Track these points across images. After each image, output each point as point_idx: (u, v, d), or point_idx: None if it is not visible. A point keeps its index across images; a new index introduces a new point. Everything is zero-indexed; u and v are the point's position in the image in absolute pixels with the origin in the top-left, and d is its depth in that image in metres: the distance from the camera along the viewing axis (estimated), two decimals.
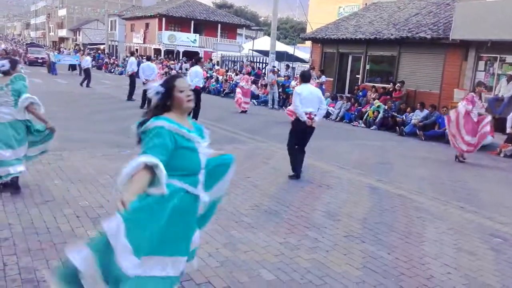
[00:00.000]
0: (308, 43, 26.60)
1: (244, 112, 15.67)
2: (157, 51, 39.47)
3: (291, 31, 59.74)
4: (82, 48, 47.47)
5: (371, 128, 14.31)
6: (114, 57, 43.86)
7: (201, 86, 12.54)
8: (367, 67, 18.98)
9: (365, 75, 18.86)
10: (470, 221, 5.61)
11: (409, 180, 7.48)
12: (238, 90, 16.48)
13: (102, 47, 50.82)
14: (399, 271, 4.02)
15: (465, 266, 4.23)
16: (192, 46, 39.29)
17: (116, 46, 51.21)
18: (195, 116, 11.32)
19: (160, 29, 39.79)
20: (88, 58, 23.35)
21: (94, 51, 46.16)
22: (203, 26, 41.51)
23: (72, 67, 32.70)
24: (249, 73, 19.29)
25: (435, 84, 15.95)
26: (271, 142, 10.07)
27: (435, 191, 6.98)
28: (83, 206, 4.95)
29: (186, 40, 39.29)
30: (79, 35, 65.80)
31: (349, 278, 3.81)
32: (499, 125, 12.32)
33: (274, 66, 20.98)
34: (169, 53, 37.90)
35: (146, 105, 13.34)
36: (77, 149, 7.68)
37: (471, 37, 14.42)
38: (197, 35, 40.08)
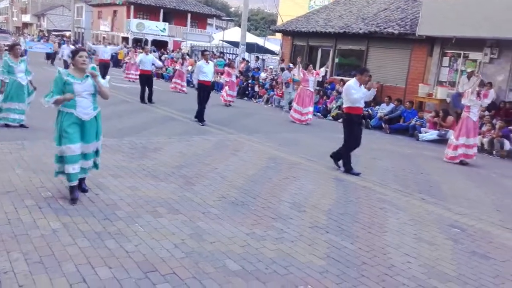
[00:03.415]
0: (279, 35, 26.64)
1: (228, 105, 15.48)
2: (125, 40, 38.69)
3: (262, 23, 59.67)
4: (46, 35, 45.99)
5: (339, 121, 14.49)
6: (80, 45, 42.72)
7: (207, 80, 11.20)
8: (336, 60, 19.19)
9: (334, 69, 19.07)
10: (430, 212, 5.81)
11: (373, 172, 7.65)
12: (225, 88, 16.12)
13: (67, 34, 49.39)
14: (361, 260, 4.13)
15: (425, 255, 4.38)
16: (161, 35, 38.72)
17: (83, 33, 49.88)
18: (201, 113, 10.97)
19: (128, 17, 38.99)
20: (68, 47, 22.20)
21: (59, 37, 44.81)
22: (173, 15, 40.93)
23: (47, 55, 30.46)
24: (229, 65, 18.53)
25: (401, 79, 16.29)
26: (240, 134, 10.08)
27: (398, 183, 7.17)
28: (45, 197, 4.85)
29: (155, 29, 38.66)
30: (43, 21, 63.70)
31: (313, 267, 3.89)
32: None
33: (289, 65, 17.96)
34: (138, 42, 37.23)
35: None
36: (38, 138, 7.48)
37: (437, 34, 14.78)
38: (167, 24, 39.49)
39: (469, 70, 13.50)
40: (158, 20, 39.57)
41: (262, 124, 12.30)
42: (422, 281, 3.84)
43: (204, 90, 11.11)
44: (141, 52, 15.77)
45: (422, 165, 8.92)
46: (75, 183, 4.82)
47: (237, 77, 18.15)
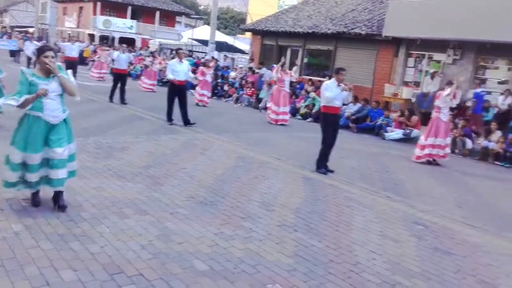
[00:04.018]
0: (248, 34, 26.67)
1: (202, 106, 15.17)
2: (91, 37, 37.89)
3: (232, 22, 59.54)
4: (9, 31, 44.47)
5: (307, 120, 14.65)
6: (44, 41, 41.52)
7: (181, 80, 10.73)
8: (305, 60, 19.37)
9: (303, 68, 19.24)
10: (395, 209, 5.94)
11: (341, 171, 7.75)
12: (197, 88, 15.78)
13: (31, 30, 47.93)
14: (328, 258, 4.18)
15: (389, 252, 4.48)
16: (129, 33, 38.11)
17: (47, 30, 48.51)
18: (183, 112, 10.67)
19: (94, 13, 38.21)
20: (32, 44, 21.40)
21: (23, 34, 43.42)
22: (141, 12, 40.36)
23: (11, 53, 29.24)
24: (204, 64, 18.03)
25: (368, 79, 16.61)
26: (209, 133, 10.04)
27: (365, 181, 7.31)
28: (7, 198, 4.70)
29: (122, 26, 38.04)
30: (6, 17, 61.61)
31: (281, 266, 3.91)
32: (425, 119, 13.07)
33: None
34: (104, 39, 36.53)
35: None
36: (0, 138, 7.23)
37: (402, 35, 15.14)
38: (134, 21, 38.91)
39: (432, 70, 13.90)
40: (125, 17, 38.94)
41: (232, 123, 12.28)
42: (386, 277, 3.92)
43: (176, 90, 10.69)
44: (114, 50, 15.42)
45: (388, 164, 9.12)
46: (34, 190, 4.57)
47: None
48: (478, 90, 13.20)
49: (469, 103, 13.15)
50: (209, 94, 16.10)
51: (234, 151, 8.50)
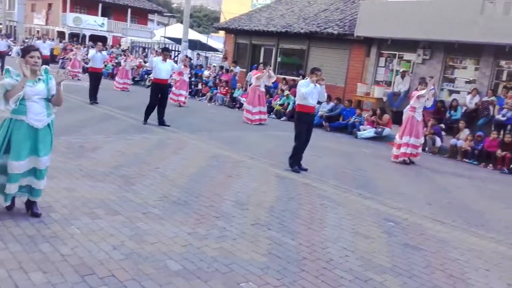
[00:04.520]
0: (222, 33, 26.59)
1: (179, 105, 14.99)
2: (61, 34, 37.07)
3: (205, 20, 59.23)
4: None
5: (281, 119, 14.72)
6: (12, 39, 40.40)
7: (162, 78, 10.68)
8: (279, 59, 19.45)
9: (277, 67, 19.31)
10: (367, 207, 6.04)
11: (314, 169, 7.81)
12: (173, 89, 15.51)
13: None
14: (301, 255, 4.22)
15: (361, 248, 4.56)
16: (100, 30, 37.45)
17: (15, 27, 47.14)
18: (147, 112, 10.54)
19: (64, 10, 37.38)
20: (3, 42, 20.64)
21: None
22: (112, 10, 39.71)
23: None
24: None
25: (341, 78, 16.80)
26: (182, 132, 9.97)
27: (338, 179, 7.40)
28: None
29: (93, 23, 37.35)
30: None
31: (255, 264, 3.93)
32: (397, 118, 13.33)
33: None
34: (74, 37, 35.81)
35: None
36: None
37: (374, 35, 15.39)
38: (106, 18, 38.26)
39: (402, 70, 14.19)
40: (96, 14, 38.24)
41: (205, 122, 12.24)
42: (358, 273, 3.99)
43: (158, 89, 10.57)
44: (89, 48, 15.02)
45: (360, 162, 9.26)
46: (9, 203, 4.32)
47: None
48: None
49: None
50: (187, 94, 15.92)
51: (208, 150, 8.48)
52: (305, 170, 7.59)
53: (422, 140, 9.82)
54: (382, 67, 16.10)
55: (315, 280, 3.78)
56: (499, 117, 11.72)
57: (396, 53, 15.65)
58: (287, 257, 4.15)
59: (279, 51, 19.36)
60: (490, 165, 10.38)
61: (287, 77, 17.79)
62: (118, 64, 21.57)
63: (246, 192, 6.01)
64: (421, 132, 9.72)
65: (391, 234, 5.10)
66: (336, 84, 16.67)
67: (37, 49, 4.29)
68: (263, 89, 13.20)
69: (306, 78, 7.80)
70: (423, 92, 9.27)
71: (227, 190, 6.03)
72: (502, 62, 13.47)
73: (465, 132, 11.30)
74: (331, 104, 14.17)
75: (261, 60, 19.96)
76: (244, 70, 19.83)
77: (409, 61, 15.33)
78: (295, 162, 7.58)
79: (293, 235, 4.69)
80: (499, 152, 10.27)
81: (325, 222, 5.21)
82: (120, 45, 31.54)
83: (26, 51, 4.18)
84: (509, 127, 11.53)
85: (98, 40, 34.68)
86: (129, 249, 3.90)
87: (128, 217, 4.62)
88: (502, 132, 11.39)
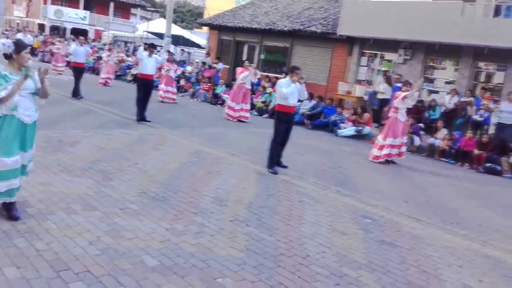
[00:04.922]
0: (205, 29, 26.49)
1: (169, 102, 14.75)
2: (42, 27, 36.44)
3: (188, 15, 58.89)
4: None
5: (263, 116, 14.75)
6: None
7: (147, 73, 10.57)
8: (262, 56, 19.46)
9: (260, 65, 19.33)
10: (345, 204, 6.12)
11: (294, 166, 7.86)
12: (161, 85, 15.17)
13: None
14: (279, 251, 4.26)
15: (338, 245, 4.62)
16: (82, 24, 36.91)
17: None
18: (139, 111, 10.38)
19: (45, 3, 36.74)
20: None
21: None
22: (94, 3, 39.16)
23: None
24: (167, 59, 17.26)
25: (323, 77, 16.91)
26: (163, 128, 9.92)
27: (317, 176, 7.46)
28: None
29: (74, 16, 36.79)
30: None
31: (232, 260, 3.95)
32: (377, 117, 13.50)
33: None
34: (55, 30, 35.24)
35: None
36: None
37: (356, 34, 15.51)
38: (88, 12, 37.72)
39: (383, 69, 14.35)
40: (78, 7, 37.67)
41: (187, 118, 12.19)
42: (334, 269, 4.04)
43: (144, 84, 10.46)
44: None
45: (340, 160, 9.35)
46: (14, 198, 4.17)
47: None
48: (398, 84, 13.75)
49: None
50: (175, 90, 15.60)
51: (189, 146, 8.46)
52: (285, 167, 7.62)
53: (405, 139, 9.86)
54: (364, 66, 16.25)
55: (291, 275, 3.82)
56: (476, 117, 11.96)
57: (378, 52, 15.82)
58: (264, 253, 4.18)
59: (262, 48, 19.38)
60: (467, 164, 10.58)
61: (270, 74, 17.82)
62: (100, 58, 21.30)
63: (225, 189, 6.02)
64: (404, 132, 9.72)
65: (368, 230, 5.17)
66: (318, 82, 16.77)
67: (30, 45, 4.40)
68: (248, 87, 13.17)
69: (286, 77, 7.76)
70: (408, 93, 9.32)
71: (207, 186, 6.03)
72: (481, 64, 13.73)
73: (443, 132, 11.49)
74: (313, 102, 14.26)
75: (244, 58, 20.00)
76: (228, 66, 19.81)
77: (390, 61, 15.51)
78: (273, 163, 7.48)
79: (271, 231, 4.73)
80: (475, 152, 10.48)
81: (303, 219, 5.26)
82: (101, 38, 31.14)
83: (22, 47, 4.11)
84: (485, 127, 11.77)
85: (79, 33, 34.33)
86: (105, 245, 3.88)
87: (105, 213, 4.59)
88: (478, 132, 11.63)
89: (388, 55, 15.55)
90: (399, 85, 13.04)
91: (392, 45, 14.93)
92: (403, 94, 9.37)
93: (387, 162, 9.56)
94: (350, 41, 16.04)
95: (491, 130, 11.54)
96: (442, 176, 9.23)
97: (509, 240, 5.57)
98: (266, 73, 18.11)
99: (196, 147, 8.41)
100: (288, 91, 7.30)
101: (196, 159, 7.47)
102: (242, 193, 5.93)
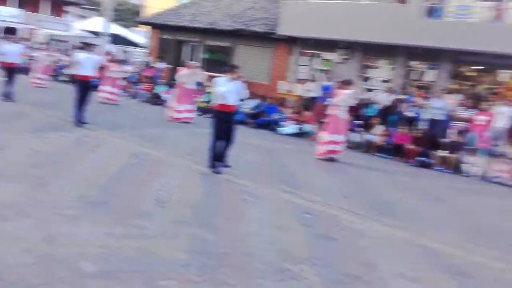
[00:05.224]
0: (145, 28, 25.96)
1: (104, 103, 14.16)
2: None
3: (128, 13, 57.37)
4: None
5: (206, 116, 14.66)
6: None
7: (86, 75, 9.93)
8: (204, 56, 19.37)
9: (203, 64, 19.21)
10: (287, 201, 6.24)
11: (237, 165, 7.85)
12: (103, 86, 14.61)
13: None
14: (222, 251, 4.28)
15: (280, 241, 4.70)
16: (13, 22, 34.93)
17: None
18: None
19: None
20: None
21: None
22: (27, 1, 37.20)
23: None
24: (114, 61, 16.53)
25: (265, 76, 17.10)
26: (101, 130, 9.63)
27: (260, 175, 7.56)
28: None
29: (4, 14, 34.76)
30: None
31: (176, 262, 3.92)
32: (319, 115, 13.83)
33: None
34: None
35: None
36: None
37: (296, 34, 15.82)
38: (19, 9, 35.75)
39: (323, 69, 14.79)
40: (9, 5, 35.63)
41: (126, 119, 11.92)
42: (277, 265, 4.11)
43: (82, 86, 9.83)
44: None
45: (281, 158, 9.52)
46: None
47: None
48: (327, 83, 14.33)
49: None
50: (118, 92, 15.08)
51: (128, 148, 8.28)
52: (228, 166, 7.60)
53: (344, 137, 10.08)
54: (305, 65, 16.60)
55: (235, 273, 3.85)
56: (408, 113, 12.57)
57: (318, 52, 16.21)
58: (208, 253, 4.18)
59: (204, 48, 19.29)
60: (401, 158, 11.11)
61: (213, 74, 17.74)
62: (32, 58, 20.29)
63: (167, 190, 5.95)
64: (345, 129, 9.97)
65: (309, 226, 5.31)
66: (261, 81, 16.91)
67: None
68: (193, 87, 13.02)
69: (223, 77, 7.56)
70: (350, 92, 9.60)
71: (148, 188, 5.94)
72: (414, 63, 14.44)
73: (379, 128, 11.99)
74: (256, 101, 14.39)
75: (186, 57, 19.80)
76: (170, 66, 19.53)
77: (329, 61, 15.95)
78: (215, 162, 7.39)
79: (215, 231, 4.74)
80: (408, 146, 11.03)
81: (246, 217, 5.31)
82: (33, 37, 29.68)
83: None
84: (418, 123, 12.40)
85: (12, 32, 32.49)
86: (40, 252, 3.73)
87: (40, 219, 4.40)
88: (411, 127, 12.24)
89: (328, 55, 15.98)
90: (330, 84, 13.52)
91: (331, 45, 15.36)
92: (345, 92, 9.64)
93: (331, 159, 9.75)
94: (291, 41, 16.33)
95: (423, 125, 12.16)
96: (379, 170, 9.63)
97: (440, 229, 5.92)
98: (208, 73, 18.02)
99: (136, 149, 8.25)
100: (224, 90, 7.19)
101: (137, 161, 7.33)
102: (184, 194, 5.89)
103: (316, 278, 3.98)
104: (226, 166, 7.58)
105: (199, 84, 16.81)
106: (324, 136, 9.78)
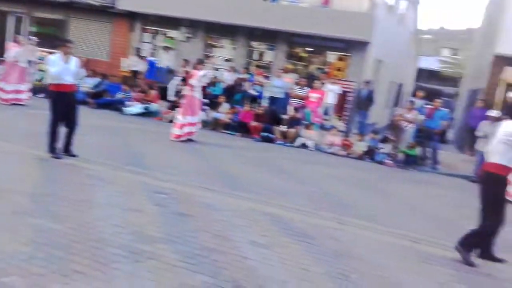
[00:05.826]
0: None
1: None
2: None
3: None
4: None
5: (39, 96, 13.32)
6: None
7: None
8: (33, 29, 17.43)
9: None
10: (138, 182, 6.10)
11: (81, 149, 7.28)
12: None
13: None
14: (69, 239, 4.01)
15: (133, 223, 4.59)
16: None
17: None
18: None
19: None
20: None
21: None
22: None
23: None
24: None
25: (104, 52, 16.20)
26: None
27: (106, 157, 7.21)
28: None
29: None
30: None
31: (18, 256, 3.57)
32: (163, 93, 13.64)
33: None
34: None
35: None
36: None
37: (136, 9, 15.27)
38: None
39: (165, 46, 14.63)
40: None
41: None
42: (131, 247, 4.01)
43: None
44: None
45: (129, 139, 9.21)
46: None
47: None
48: (150, 58, 14.81)
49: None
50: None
51: None
52: (75, 156, 6.94)
53: (199, 117, 10.02)
54: (147, 42, 16.16)
55: (86, 261, 3.66)
56: (251, 91, 13.22)
57: (161, 29, 15.90)
58: (54, 243, 3.88)
59: (32, 20, 17.33)
60: (247, 134, 11.68)
61: (45, 49, 16.10)
62: None
63: (1, 179, 5.32)
64: (199, 109, 9.94)
65: (163, 205, 5.28)
66: (99, 58, 15.99)
67: None
68: (24, 65, 11.55)
69: (55, 53, 6.85)
70: (204, 72, 9.59)
71: None
72: (254, 43, 15.13)
73: (225, 106, 12.38)
74: (96, 79, 13.56)
75: (11, 30, 17.58)
76: None
77: (173, 38, 15.78)
78: (55, 147, 6.78)
79: (59, 219, 4.40)
80: (253, 123, 11.63)
81: (94, 202, 5.05)
82: None
83: None
84: (260, 100, 13.12)
85: None
86: None
87: None
88: (254, 105, 12.90)
89: (171, 33, 15.78)
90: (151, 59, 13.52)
91: (174, 22, 15.19)
92: (199, 72, 9.60)
93: (189, 140, 9.62)
94: (131, 17, 15.68)
95: (265, 102, 12.91)
96: (227, 147, 9.99)
97: (284, 197, 6.42)
98: (40, 48, 16.31)
99: None
100: (57, 70, 6.57)
101: None
102: (22, 182, 5.33)
103: (173, 255, 4.01)
104: (73, 155, 6.94)
105: (30, 61, 15.17)
106: (180, 118, 9.55)
